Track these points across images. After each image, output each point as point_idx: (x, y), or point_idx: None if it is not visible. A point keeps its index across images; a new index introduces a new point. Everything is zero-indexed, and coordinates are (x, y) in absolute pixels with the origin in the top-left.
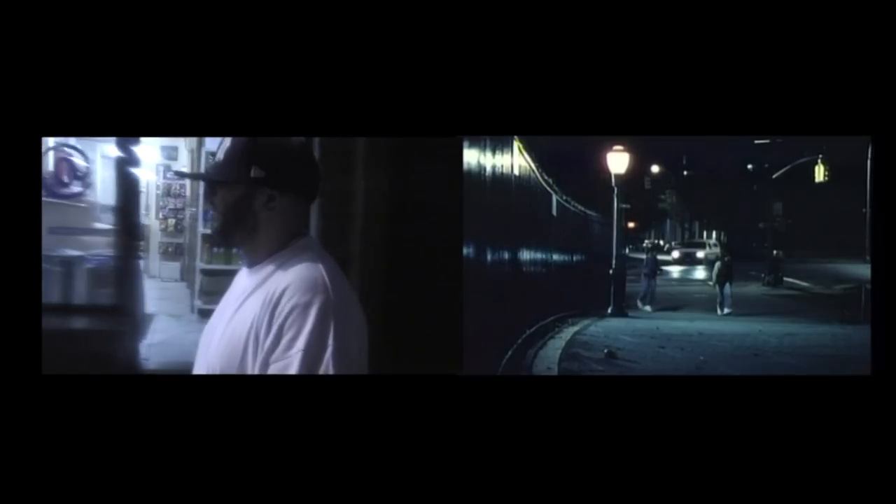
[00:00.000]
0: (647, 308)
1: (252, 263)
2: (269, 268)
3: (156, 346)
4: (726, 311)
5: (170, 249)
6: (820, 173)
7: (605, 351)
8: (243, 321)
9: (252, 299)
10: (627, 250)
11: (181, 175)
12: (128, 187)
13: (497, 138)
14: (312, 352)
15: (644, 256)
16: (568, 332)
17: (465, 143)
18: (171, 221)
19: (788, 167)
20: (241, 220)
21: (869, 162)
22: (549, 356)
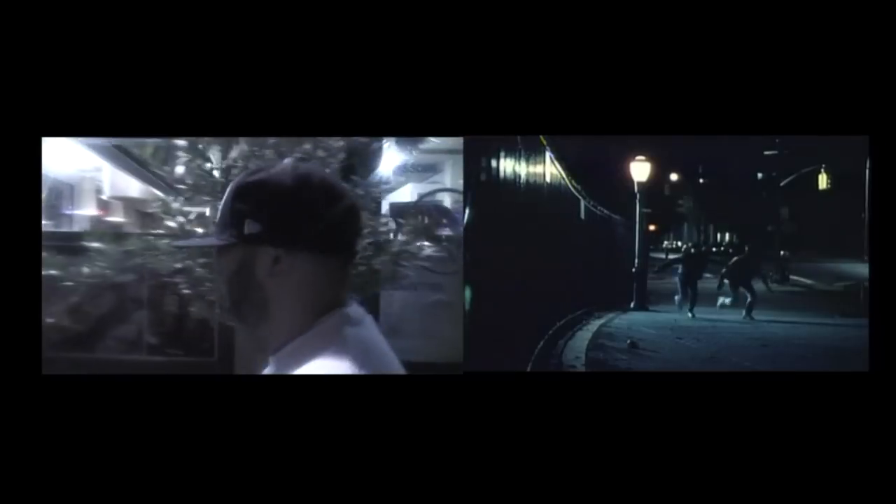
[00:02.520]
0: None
1: (273, 350)
2: (285, 360)
3: None
4: (726, 300)
5: None
6: (823, 181)
7: (628, 341)
8: None
9: None
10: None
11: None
12: None
13: (530, 148)
14: None
15: (679, 257)
16: (594, 325)
17: (501, 152)
18: None
19: (794, 176)
20: (245, 292)
21: (867, 168)
22: (577, 346)
